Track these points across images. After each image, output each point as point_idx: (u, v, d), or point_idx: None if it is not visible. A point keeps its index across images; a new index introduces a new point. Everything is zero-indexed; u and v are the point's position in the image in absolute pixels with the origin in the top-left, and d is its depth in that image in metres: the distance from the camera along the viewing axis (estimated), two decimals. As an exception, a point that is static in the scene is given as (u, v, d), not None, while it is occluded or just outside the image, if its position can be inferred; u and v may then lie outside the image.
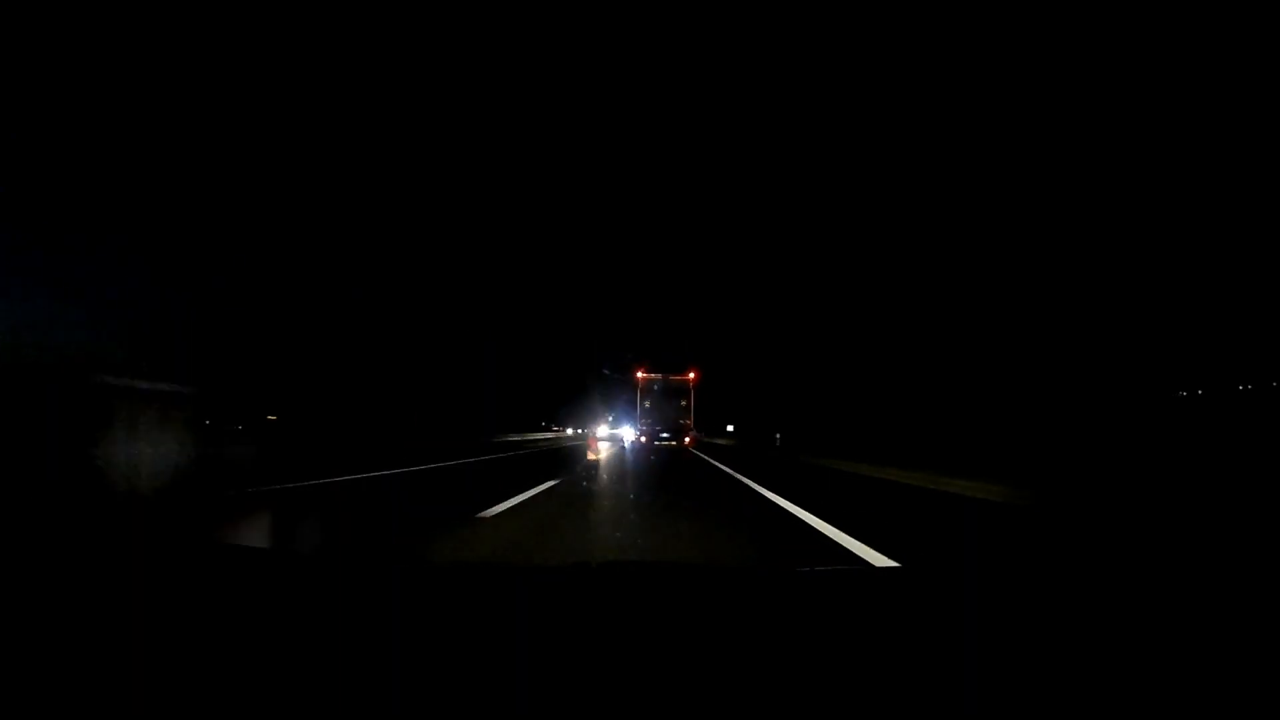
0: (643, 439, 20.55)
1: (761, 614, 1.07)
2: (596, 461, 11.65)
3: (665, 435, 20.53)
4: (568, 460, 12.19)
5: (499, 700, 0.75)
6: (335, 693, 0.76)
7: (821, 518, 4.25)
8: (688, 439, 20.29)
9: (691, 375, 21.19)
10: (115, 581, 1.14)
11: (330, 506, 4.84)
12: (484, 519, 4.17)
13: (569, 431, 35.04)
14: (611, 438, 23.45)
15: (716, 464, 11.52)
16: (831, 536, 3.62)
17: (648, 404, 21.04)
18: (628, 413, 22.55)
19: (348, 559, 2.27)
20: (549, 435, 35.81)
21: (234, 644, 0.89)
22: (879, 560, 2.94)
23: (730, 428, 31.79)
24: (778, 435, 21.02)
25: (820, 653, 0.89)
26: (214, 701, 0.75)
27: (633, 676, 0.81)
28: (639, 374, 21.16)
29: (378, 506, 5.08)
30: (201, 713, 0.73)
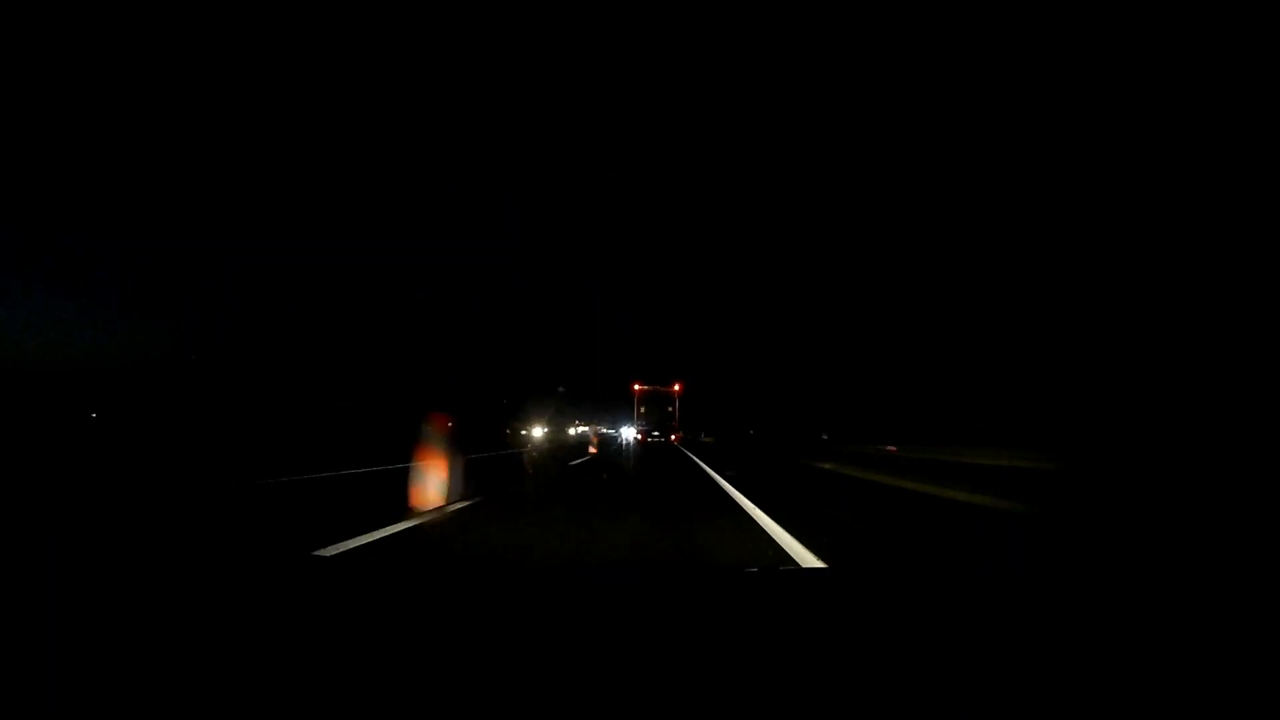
0: (638, 436, 25.63)
1: (739, 613, 1.13)
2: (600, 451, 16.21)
3: (656, 434, 25.67)
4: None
5: (499, 699, 0.77)
6: (337, 692, 0.78)
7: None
8: (673, 437, 25.36)
9: (677, 387, 26.34)
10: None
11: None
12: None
13: (575, 431, 39.86)
14: (612, 436, 28.53)
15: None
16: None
17: (643, 409, 26.22)
18: (626, 417, 27.71)
19: (347, 559, 2.29)
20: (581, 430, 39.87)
21: (234, 642, 0.91)
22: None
23: (709, 436, 36.02)
24: (751, 432, 26.05)
25: (772, 647, 0.94)
26: (217, 701, 0.75)
27: (628, 673, 0.84)
28: (635, 386, 26.30)
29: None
30: (204, 712, 0.73)
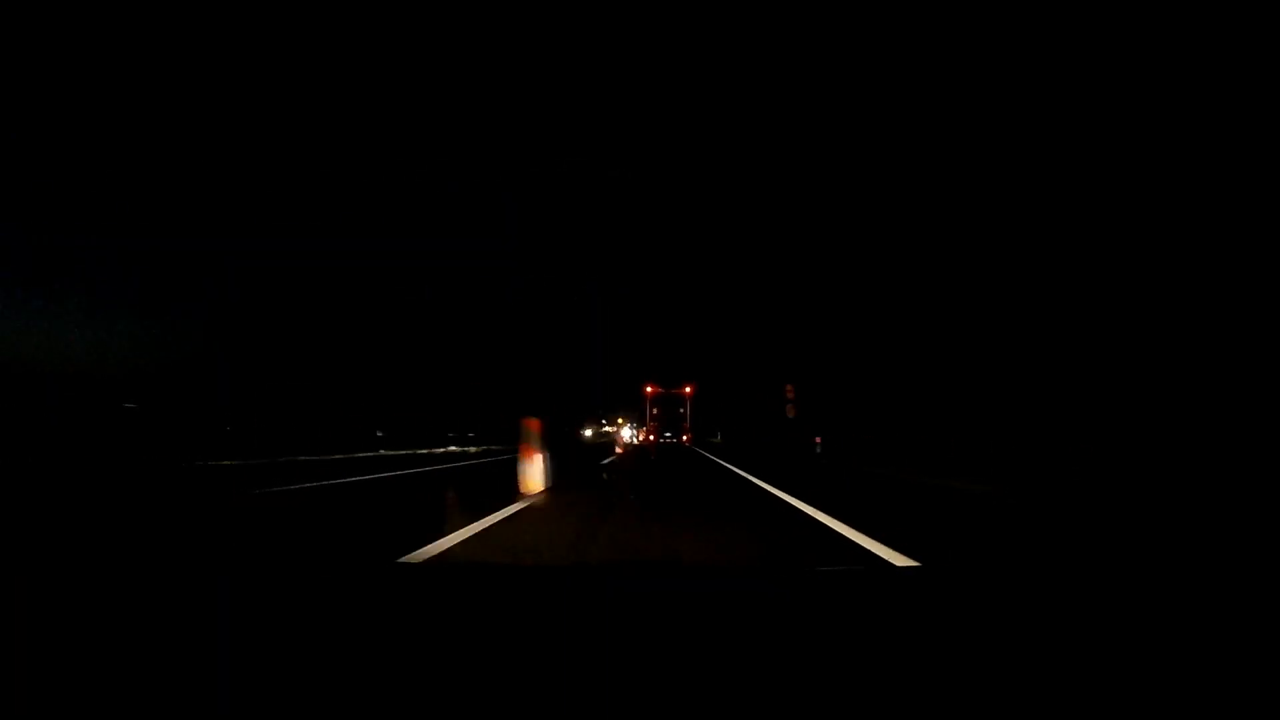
0: (651, 437, 27.15)
1: (778, 618, 1.08)
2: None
3: (668, 435, 27.16)
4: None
5: (502, 698, 0.77)
6: (341, 691, 0.78)
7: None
8: (685, 437, 26.86)
9: (688, 389, 27.79)
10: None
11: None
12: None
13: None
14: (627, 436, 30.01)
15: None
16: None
17: (655, 411, 27.71)
18: (640, 417, 29.24)
19: (347, 560, 2.31)
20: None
21: (248, 641, 0.94)
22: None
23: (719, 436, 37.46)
24: (763, 438, 27.59)
25: (838, 656, 0.89)
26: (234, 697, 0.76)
27: (638, 677, 0.82)
28: (648, 389, 27.80)
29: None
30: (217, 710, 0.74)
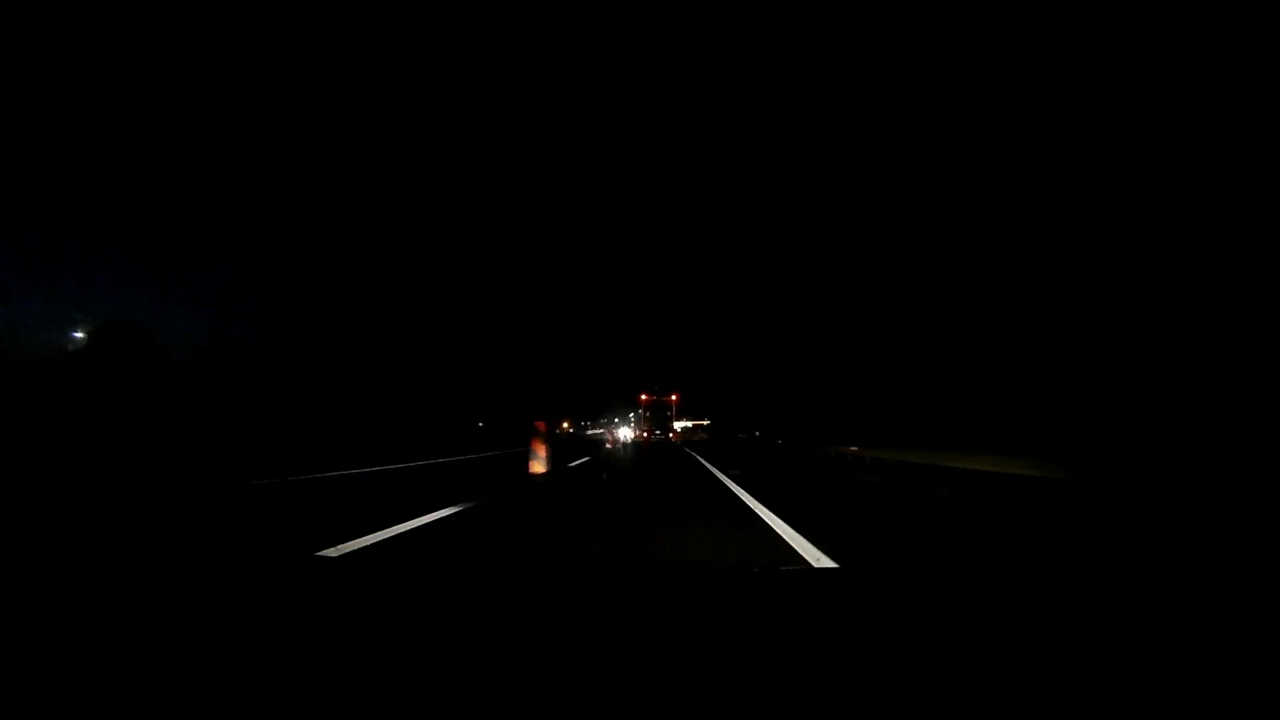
0: (644, 435, 34.33)
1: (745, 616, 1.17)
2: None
3: (658, 433, 34.33)
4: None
5: (502, 699, 0.80)
6: (343, 692, 0.80)
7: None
8: (671, 435, 34.00)
9: (674, 397, 35.07)
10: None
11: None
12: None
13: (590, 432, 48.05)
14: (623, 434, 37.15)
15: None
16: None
17: (646, 414, 34.96)
18: (634, 419, 36.46)
19: (350, 561, 2.36)
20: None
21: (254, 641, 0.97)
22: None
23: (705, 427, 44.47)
24: (740, 434, 34.62)
25: (785, 642, 0.98)
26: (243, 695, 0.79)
27: (632, 672, 0.87)
28: (641, 395, 35.16)
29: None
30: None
